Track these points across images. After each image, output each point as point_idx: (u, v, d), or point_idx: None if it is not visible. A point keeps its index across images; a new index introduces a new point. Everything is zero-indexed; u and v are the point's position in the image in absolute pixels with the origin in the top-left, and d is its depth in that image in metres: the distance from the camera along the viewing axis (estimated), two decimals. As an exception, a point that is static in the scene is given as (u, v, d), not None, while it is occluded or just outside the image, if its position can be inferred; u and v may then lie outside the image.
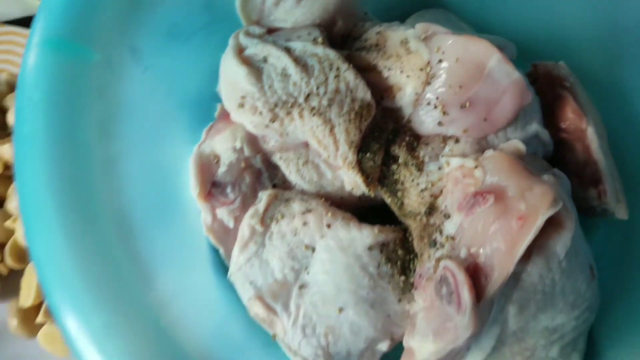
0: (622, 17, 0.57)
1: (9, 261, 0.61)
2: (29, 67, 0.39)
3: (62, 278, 0.37)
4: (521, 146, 0.49)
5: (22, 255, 0.62)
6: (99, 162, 0.42)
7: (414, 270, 0.51)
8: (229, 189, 0.56)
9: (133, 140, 0.47)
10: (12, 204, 0.62)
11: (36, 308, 0.61)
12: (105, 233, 0.40)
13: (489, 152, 0.49)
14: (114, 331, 0.37)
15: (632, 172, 0.57)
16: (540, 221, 0.42)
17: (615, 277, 0.56)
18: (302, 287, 0.52)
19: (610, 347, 0.52)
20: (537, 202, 0.43)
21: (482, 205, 0.45)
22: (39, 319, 0.60)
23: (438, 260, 0.46)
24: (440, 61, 0.51)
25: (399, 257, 0.52)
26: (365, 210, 0.59)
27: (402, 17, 0.68)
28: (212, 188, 0.55)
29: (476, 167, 0.47)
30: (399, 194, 0.53)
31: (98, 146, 0.42)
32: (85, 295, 0.37)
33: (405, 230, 0.54)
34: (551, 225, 0.45)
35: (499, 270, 0.43)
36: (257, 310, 0.52)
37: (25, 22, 0.76)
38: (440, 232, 0.48)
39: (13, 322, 0.60)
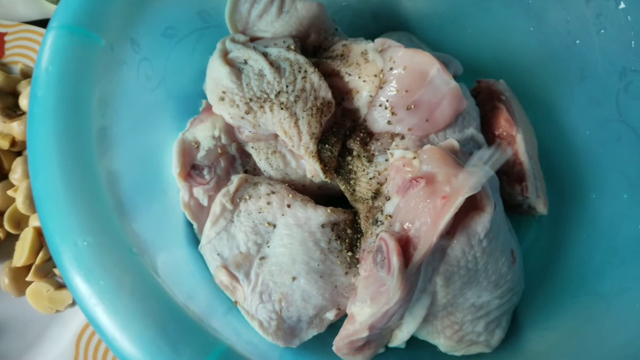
0: (553, 46, 0.67)
1: (7, 226, 0.68)
2: (47, 44, 0.48)
3: (59, 216, 0.44)
4: (455, 143, 0.58)
5: (19, 222, 0.69)
6: (96, 132, 0.50)
7: (360, 247, 0.59)
8: (205, 171, 0.63)
9: (126, 120, 0.56)
10: (14, 175, 0.69)
11: (27, 268, 0.68)
12: (97, 188, 0.48)
13: (427, 146, 0.57)
14: (96, 250, 0.44)
15: (559, 178, 0.65)
16: (459, 200, 0.50)
17: (540, 270, 0.63)
18: (262, 258, 0.59)
19: (531, 326, 0.59)
20: (459, 185, 0.51)
21: (415, 187, 0.53)
22: (29, 277, 0.67)
23: (378, 235, 0.54)
24: (391, 69, 0.60)
25: (348, 235, 0.60)
26: (324, 200, 0.66)
27: (372, 37, 0.78)
28: (191, 170, 0.63)
29: (414, 157, 0.56)
30: (352, 181, 0.61)
31: (97, 115, 0.50)
32: (75, 223, 0.44)
33: (355, 214, 0.62)
34: (474, 209, 0.53)
35: (424, 240, 0.50)
36: (222, 277, 0.59)
37: (42, 23, 0.85)
38: (382, 212, 0.56)
39: (4, 281, 0.66)
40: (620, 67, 0.60)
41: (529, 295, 0.60)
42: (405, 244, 0.51)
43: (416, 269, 0.51)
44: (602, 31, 0.61)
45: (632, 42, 0.58)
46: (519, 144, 0.62)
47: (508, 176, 0.62)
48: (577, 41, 0.64)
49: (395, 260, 0.49)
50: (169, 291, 0.49)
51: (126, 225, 0.49)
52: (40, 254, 0.68)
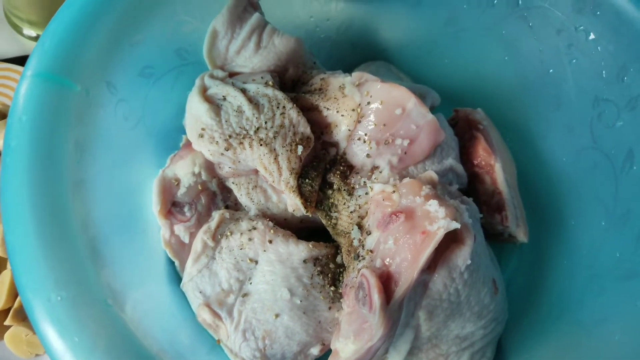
0: (527, 75, 0.68)
1: (-16, 270, 0.67)
2: (21, 93, 0.48)
3: (32, 270, 0.44)
4: (434, 176, 0.58)
5: (-5, 266, 0.68)
6: (72, 179, 0.49)
7: (343, 282, 0.59)
8: (186, 208, 0.63)
9: (104, 162, 0.55)
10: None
11: (5, 312, 0.67)
12: (72, 238, 0.47)
13: (406, 180, 0.57)
14: (70, 304, 0.43)
15: (538, 205, 0.66)
16: (439, 236, 0.50)
17: (523, 298, 0.64)
18: (245, 295, 0.59)
19: (515, 355, 0.59)
20: (438, 220, 0.51)
21: (395, 222, 0.53)
22: (7, 322, 0.66)
23: (359, 270, 0.54)
24: (368, 103, 0.61)
25: (331, 270, 0.60)
26: (306, 232, 0.66)
27: (351, 67, 0.79)
28: (171, 207, 0.63)
29: (394, 191, 0.56)
30: (333, 215, 0.61)
31: (73, 165, 0.50)
32: (48, 277, 0.44)
33: (337, 247, 0.62)
34: (454, 242, 0.53)
35: (405, 276, 0.50)
36: (204, 316, 0.59)
37: (20, 60, 0.85)
38: (363, 247, 0.56)
39: (-18, 325, 0.65)
40: (592, 96, 0.61)
41: (512, 324, 0.60)
42: (386, 280, 0.51)
43: (398, 305, 0.51)
44: (574, 61, 0.63)
45: (603, 72, 0.60)
46: (497, 173, 0.62)
47: (487, 206, 0.63)
48: (551, 70, 0.65)
49: (376, 298, 0.49)
50: (147, 342, 0.48)
51: (102, 274, 0.48)
52: (19, 298, 0.67)
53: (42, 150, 0.47)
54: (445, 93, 0.70)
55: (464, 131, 0.67)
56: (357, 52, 0.80)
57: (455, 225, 0.51)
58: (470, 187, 0.65)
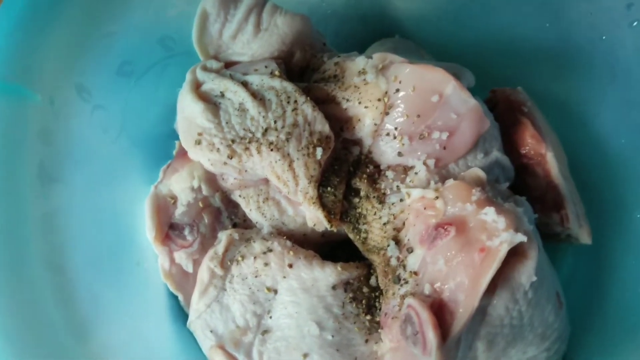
0: (575, 43, 0.58)
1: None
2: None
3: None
4: (481, 174, 0.49)
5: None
6: (37, 212, 0.39)
7: (380, 308, 0.49)
8: (187, 231, 0.53)
9: (80, 186, 0.45)
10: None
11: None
12: (38, 291, 0.38)
13: (449, 182, 0.48)
14: None
15: (594, 196, 0.57)
16: (502, 252, 0.41)
17: (585, 303, 0.55)
18: (264, 332, 0.50)
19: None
20: (499, 233, 0.42)
21: (444, 237, 0.44)
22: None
23: (403, 297, 0.45)
24: (397, 90, 0.50)
25: (364, 295, 0.50)
26: (330, 247, 0.57)
27: (362, 45, 0.69)
28: (169, 230, 0.53)
29: (437, 197, 0.46)
30: (362, 228, 0.52)
31: (37, 194, 0.40)
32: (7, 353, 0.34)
33: (370, 266, 0.52)
34: (514, 255, 0.44)
35: (464, 306, 0.41)
36: (218, 359, 0.50)
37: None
38: (404, 268, 0.47)
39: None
40: (660, 65, 0.51)
41: (576, 339, 0.52)
42: (439, 310, 0.42)
43: (456, 342, 0.42)
44: (635, 24, 0.53)
45: (675, 35, 0.50)
46: (550, 164, 0.53)
47: (542, 203, 0.53)
48: (604, 37, 0.55)
49: (431, 336, 0.40)
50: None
51: (84, 337, 0.38)
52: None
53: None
54: (475, 70, 0.59)
55: (505, 116, 0.57)
56: (369, 28, 0.69)
57: (521, 238, 0.42)
58: (518, 182, 0.55)
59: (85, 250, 0.44)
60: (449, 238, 0.44)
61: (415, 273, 0.45)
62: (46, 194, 0.41)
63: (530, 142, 0.55)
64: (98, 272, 0.44)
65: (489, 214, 0.43)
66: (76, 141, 0.45)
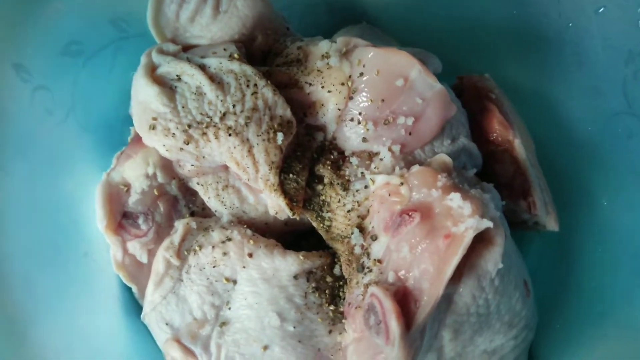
0: (542, 31, 0.57)
1: None
2: None
3: None
4: (448, 160, 0.47)
5: None
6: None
7: (344, 298, 0.48)
8: (141, 220, 0.51)
9: (21, 173, 0.42)
10: None
11: None
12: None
13: (414, 168, 0.46)
14: None
15: (561, 183, 0.56)
16: (467, 238, 0.40)
17: (552, 292, 0.55)
18: (223, 324, 0.48)
19: (551, 365, 0.50)
20: (464, 219, 0.40)
21: (408, 224, 0.42)
22: None
23: (366, 286, 0.43)
24: (361, 74, 0.49)
25: (328, 284, 0.49)
26: (293, 237, 0.55)
27: (328, 33, 0.67)
28: (122, 219, 0.50)
29: (402, 183, 0.45)
30: (326, 216, 0.50)
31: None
32: None
33: (333, 256, 0.50)
34: (480, 241, 0.43)
35: (429, 294, 0.40)
36: (174, 354, 0.47)
37: None
38: (368, 256, 0.45)
39: None
40: (625, 51, 0.51)
41: (543, 328, 0.51)
42: (403, 299, 0.41)
43: (420, 331, 0.40)
44: (601, 10, 0.52)
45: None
46: (518, 151, 0.52)
47: (509, 190, 0.52)
48: (571, 24, 0.55)
49: (394, 325, 0.39)
50: None
51: (19, 344, 0.35)
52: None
53: None
54: (442, 58, 0.59)
55: (472, 102, 0.56)
56: (335, 15, 0.68)
57: (487, 223, 0.41)
58: (485, 169, 0.54)
59: (24, 240, 0.41)
60: (413, 225, 0.42)
61: (379, 261, 0.44)
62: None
63: (498, 129, 0.54)
64: (38, 264, 0.41)
65: (455, 199, 0.42)
66: (15, 124, 0.42)
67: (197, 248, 0.49)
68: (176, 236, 0.50)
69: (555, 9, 0.56)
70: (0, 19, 0.41)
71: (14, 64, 0.42)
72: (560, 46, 0.57)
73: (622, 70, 0.52)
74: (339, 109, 0.49)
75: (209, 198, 0.52)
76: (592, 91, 0.55)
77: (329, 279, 0.49)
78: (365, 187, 0.48)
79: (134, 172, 0.50)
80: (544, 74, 0.59)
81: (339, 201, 0.49)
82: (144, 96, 0.49)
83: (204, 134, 0.48)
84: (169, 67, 0.50)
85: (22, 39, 0.42)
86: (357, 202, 0.48)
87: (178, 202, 0.52)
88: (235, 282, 0.48)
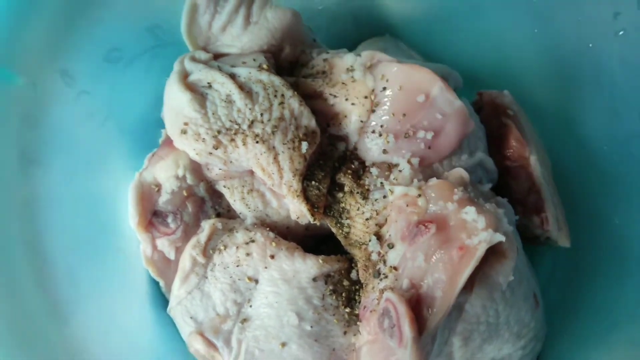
0: (562, 50, 0.59)
1: None
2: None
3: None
4: (465, 174, 0.49)
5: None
6: (17, 198, 0.39)
7: (360, 301, 0.50)
8: (170, 219, 0.53)
9: (62, 171, 0.45)
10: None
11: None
12: (18, 276, 0.37)
13: (432, 181, 0.48)
14: None
15: (575, 201, 0.58)
16: (480, 251, 0.41)
17: (562, 305, 0.56)
18: (244, 321, 0.50)
19: (557, 376, 0.51)
20: (478, 232, 0.42)
21: (424, 234, 0.44)
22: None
23: (382, 291, 0.45)
24: (384, 89, 0.51)
25: (345, 288, 0.51)
26: (313, 241, 0.57)
27: (352, 43, 0.69)
28: (152, 217, 0.53)
29: (419, 195, 0.47)
30: (345, 222, 0.52)
31: (18, 180, 0.39)
32: None
33: (351, 260, 0.53)
34: (493, 254, 0.45)
35: (441, 301, 0.42)
36: (197, 346, 0.50)
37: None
38: (384, 262, 0.47)
39: None
40: (644, 75, 0.52)
41: (552, 339, 0.53)
42: (416, 305, 0.43)
43: (432, 336, 0.43)
44: (621, 33, 0.53)
45: (658, 46, 0.51)
46: (533, 168, 0.54)
47: (523, 206, 0.54)
48: (591, 44, 0.56)
49: (407, 330, 0.41)
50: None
51: (63, 325, 0.38)
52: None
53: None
54: (464, 73, 0.60)
55: (490, 118, 0.58)
56: (360, 27, 0.70)
57: (500, 237, 0.42)
58: (501, 184, 0.56)
59: (66, 234, 0.44)
60: (429, 235, 0.44)
61: (395, 268, 0.46)
62: (28, 178, 0.41)
63: (515, 145, 0.55)
64: (78, 256, 0.44)
65: (470, 213, 0.44)
66: (59, 126, 0.45)
67: (222, 247, 0.52)
68: (203, 235, 0.52)
69: (575, 29, 0.57)
70: (49, 28, 0.44)
71: (60, 69, 0.45)
72: (579, 66, 0.58)
73: (640, 93, 0.53)
74: (362, 121, 0.52)
75: (235, 201, 0.54)
76: (610, 112, 0.56)
77: (345, 282, 0.51)
78: (384, 197, 0.50)
79: (164, 174, 0.53)
80: (563, 93, 0.60)
81: (358, 209, 0.51)
82: (177, 102, 0.51)
83: (232, 140, 0.50)
84: (201, 75, 0.53)
85: (68, 47, 0.45)
86: (376, 211, 0.50)
87: (205, 204, 0.55)
88: (257, 281, 0.51)
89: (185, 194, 0.54)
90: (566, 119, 0.60)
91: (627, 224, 0.54)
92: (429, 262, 0.43)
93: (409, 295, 0.43)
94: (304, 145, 0.50)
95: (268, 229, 0.53)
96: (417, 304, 0.43)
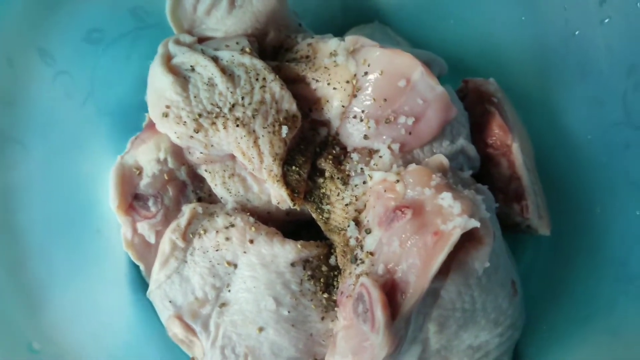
0: (548, 38, 0.58)
1: None
2: None
3: None
4: (444, 160, 0.49)
5: None
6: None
7: (338, 287, 0.50)
8: (151, 202, 0.53)
9: (41, 150, 0.45)
10: None
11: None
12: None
13: (411, 166, 0.48)
14: None
15: (558, 189, 0.58)
16: (454, 236, 0.41)
17: (541, 299, 0.56)
18: (222, 305, 0.50)
19: (535, 364, 0.51)
20: (453, 218, 0.42)
21: (400, 219, 0.44)
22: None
23: (358, 276, 0.45)
24: (366, 74, 0.50)
25: (323, 273, 0.51)
26: (294, 227, 0.57)
27: (341, 30, 0.69)
28: (133, 201, 0.53)
29: (397, 181, 0.47)
30: (325, 208, 0.52)
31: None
32: None
33: (330, 247, 0.53)
34: (470, 240, 0.45)
35: (414, 286, 0.42)
36: (175, 330, 0.50)
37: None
38: (361, 248, 0.47)
39: None
40: (628, 64, 0.52)
41: (530, 328, 0.53)
42: (391, 290, 0.43)
43: (405, 321, 0.43)
44: (607, 20, 0.53)
45: (643, 34, 0.50)
46: (515, 155, 0.54)
47: (504, 193, 0.54)
48: (577, 32, 0.56)
49: (380, 315, 0.41)
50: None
51: (38, 309, 0.38)
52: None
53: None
54: (450, 60, 0.60)
55: (474, 105, 0.58)
56: (348, 13, 0.69)
57: (474, 223, 0.42)
58: (482, 171, 0.56)
59: (42, 214, 0.44)
60: (405, 220, 0.44)
61: (372, 253, 0.46)
62: (3, 160, 0.41)
63: (497, 133, 0.55)
64: (55, 237, 0.44)
65: (446, 199, 0.44)
66: (37, 105, 0.45)
67: (202, 232, 0.52)
68: (183, 219, 0.52)
69: (561, 16, 0.57)
70: (28, 7, 0.43)
71: (39, 48, 0.44)
72: (565, 54, 0.57)
73: (623, 82, 0.53)
74: (343, 106, 0.51)
75: (216, 185, 0.54)
76: (593, 101, 0.56)
77: (324, 268, 0.51)
78: (364, 182, 0.50)
79: (146, 157, 0.53)
80: (548, 81, 0.59)
81: (338, 195, 0.51)
82: (159, 84, 0.51)
83: (213, 123, 0.50)
84: (184, 58, 0.52)
85: (47, 26, 0.45)
86: (355, 197, 0.50)
87: (186, 188, 0.55)
88: (236, 266, 0.51)
89: (166, 177, 0.54)
90: (550, 106, 0.59)
91: (608, 213, 0.54)
92: (404, 247, 0.43)
93: (383, 280, 0.43)
94: (284, 130, 0.50)
95: (249, 213, 0.53)
96: (391, 289, 0.43)
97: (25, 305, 0.40)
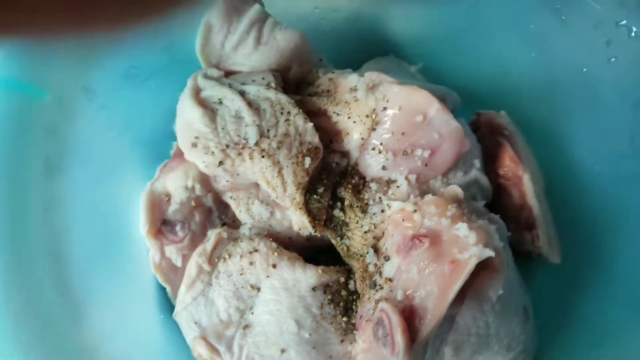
0: (558, 74, 0.61)
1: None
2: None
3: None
4: (459, 191, 0.52)
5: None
6: (40, 202, 0.42)
7: (357, 311, 0.52)
8: (178, 227, 0.56)
9: (81, 178, 0.48)
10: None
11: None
12: (37, 276, 0.40)
13: (428, 197, 0.51)
14: None
15: (567, 219, 0.60)
16: (470, 265, 0.44)
17: (553, 320, 0.58)
18: (246, 327, 0.53)
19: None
20: (469, 248, 0.45)
21: (418, 248, 0.46)
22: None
23: (377, 301, 0.48)
24: (384, 109, 0.53)
25: (342, 298, 0.53)
26: (313, 252, 0.60)
27: (358, 62, 0.72)
28: (162, 226, 0.56)
29: (415, 210, 0.49)
30: (345, 235, 0.55)
31: (41, 186, 0.43)
32: (9, 339, 0.37)
33: (349, 271, 0.55)
34: (484, 269, 0.47)
35: (432, 312, 0.44)
36: (200, 350, 0.52)
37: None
38: (380, 274, 0.49)
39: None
40: (633, 99, 0.55)
41: (541, 354, 0.55)
42: (409, 316, 0.45)
43: (423, 346, 0.45)
44: (613, 59, 0.56)
45: (648, 73, 0.53)
46: (526, 186, 0.56)
47: (515, 222, 0.56)
48: (585, 69, 0.59)
49: (400, 339, 0.43)
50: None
51: (78, 325, 0.41)
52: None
53: (3, 171, 0.40)
54: (464, 93, 0.63)
55: (486, 137, 0.60)
56: (366, 47, 0.72)
57: (489, 253, 0.44)
58: (495, 201, 0.58)
59: (83, 240, 0.47)
60: (423, 249, 0.46)
61: (390, 280, 0.48)
62: (50, 186, 0.44)
63: (509, 164, 0.58)
64: (93, 261, 0.47)
65: (462, 229, 0.46)
66: (81, 138, 0.48)
67: (226, 256, 0.54)
68: (209, 244, 0.55)
69: (570, 55, 0.60)
70: (74, 49, 0.47)
71: (83, 86, 0.48)
72: (573, 90, 0.60)
73: (630, 118, 0.55)
74: (363, 139, 0.54)
75: (240, 211, 0.57)
76: (601, 134, 0.58)
77: (343, 292, 0.53)
78: (382, 211, 0.53)
79: (175, 184, 0.56)
80: (557, 114, 0.62)
81: (357, 222, 0.54)
82: (189, 116, 0.55)
83: (240, 154, 0.53)
84: (212, 91, 0.56)
85: (90, 66, 0.49)
86: (374, 225, 0.53)
87: (212, 213, 0.58)
88: (259, 289, 0.53)
89: (193, 204, 0.56)
90: (559, 139, 0.62)
91: (616, 242, 0.56)
92: (422, 274, 0.46)
93: (402, 306, 0.45)
94: (307, 161, 0.53)
95: (271, 239, 0.56)
96: (410, 314, 0.45)
97: (69, 321, 0.42)
